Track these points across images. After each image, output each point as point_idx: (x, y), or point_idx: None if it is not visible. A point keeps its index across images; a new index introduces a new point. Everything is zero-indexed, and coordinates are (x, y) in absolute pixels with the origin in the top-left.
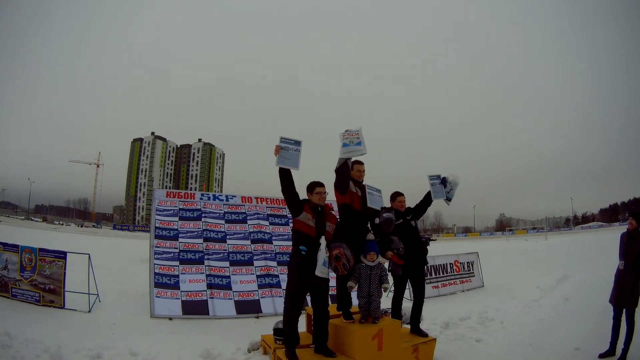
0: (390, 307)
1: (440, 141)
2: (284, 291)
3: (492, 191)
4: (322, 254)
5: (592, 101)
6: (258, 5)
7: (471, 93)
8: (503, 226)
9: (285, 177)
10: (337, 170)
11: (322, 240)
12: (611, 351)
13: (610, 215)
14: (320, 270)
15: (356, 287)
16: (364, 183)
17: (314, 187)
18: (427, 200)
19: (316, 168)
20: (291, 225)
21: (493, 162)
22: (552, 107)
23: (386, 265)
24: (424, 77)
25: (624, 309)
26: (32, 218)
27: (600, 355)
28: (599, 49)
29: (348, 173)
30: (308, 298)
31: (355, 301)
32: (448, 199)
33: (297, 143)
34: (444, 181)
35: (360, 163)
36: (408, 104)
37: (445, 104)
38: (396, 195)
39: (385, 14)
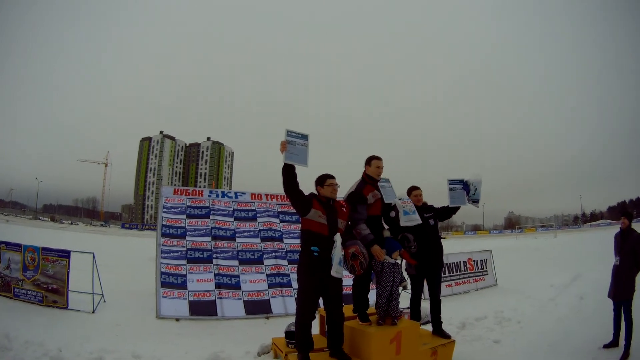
0: (407, 306)
1: (447, 137)
2: (295, 291)
3: (500, 189)
4: (338, 253)
5: (602, 99)
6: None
7: (483, 91)
8: (512, 224)
9: (290, 174)
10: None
11: (337, 237)
12: (615, 342)
13: (618, 212)
14: (336, 270)
15: (374, 286)
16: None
17: (325, 179)
18: (452, 208)
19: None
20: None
21: (502, 159)
22: (564, 106)
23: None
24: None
25: (622, 302)
26: (40, 217)
27: (605, 346)
28: (612, 45)
29: None
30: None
31: (371, 302)
32: (474, 201)
33: (304, 137)
34: (465, 185)
35: (379, 159)
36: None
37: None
38: (412, 190)
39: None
